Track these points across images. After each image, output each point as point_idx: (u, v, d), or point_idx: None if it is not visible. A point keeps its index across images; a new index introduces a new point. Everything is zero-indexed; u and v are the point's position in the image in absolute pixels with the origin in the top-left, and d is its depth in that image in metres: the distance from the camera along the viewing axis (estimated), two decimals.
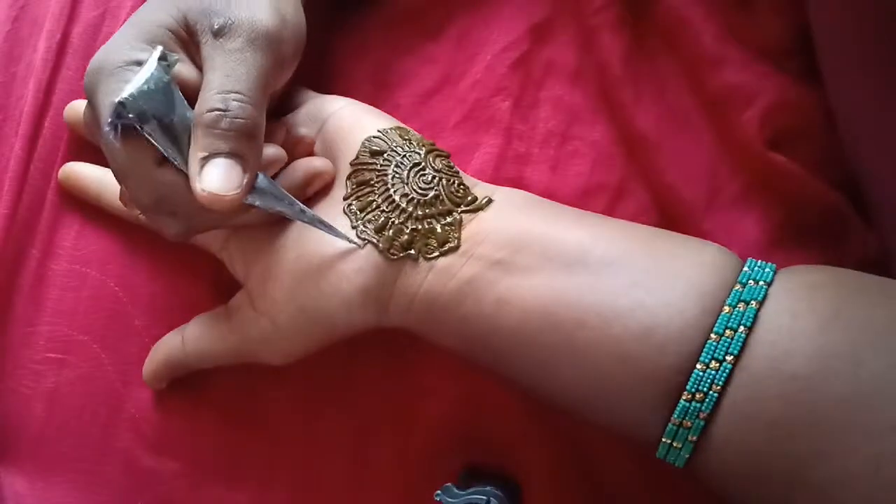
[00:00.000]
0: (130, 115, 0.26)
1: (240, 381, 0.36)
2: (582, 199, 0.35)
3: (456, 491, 0.31)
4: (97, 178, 0.37)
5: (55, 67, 0.38)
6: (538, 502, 0.33)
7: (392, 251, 0.30)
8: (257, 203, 0.29)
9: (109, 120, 0.27)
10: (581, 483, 0.34)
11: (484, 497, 0.31)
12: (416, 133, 0.33)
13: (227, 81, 0.27)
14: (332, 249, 0.30)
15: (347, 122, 0.33)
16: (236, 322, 0.32)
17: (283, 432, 0.35)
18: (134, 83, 0.26)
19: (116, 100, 0.26)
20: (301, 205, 0.30)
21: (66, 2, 0.39)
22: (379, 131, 0.32)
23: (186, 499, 0.34)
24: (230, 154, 0.27)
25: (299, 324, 0.30)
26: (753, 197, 0.34)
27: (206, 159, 0.27)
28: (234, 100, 0.27)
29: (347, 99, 0.34)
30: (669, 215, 0.35)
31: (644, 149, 0.35)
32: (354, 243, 0.30)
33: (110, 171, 0.36)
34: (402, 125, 0.33)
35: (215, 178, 0.27)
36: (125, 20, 0.39)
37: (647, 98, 0.36)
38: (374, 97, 0.37)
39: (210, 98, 0.27)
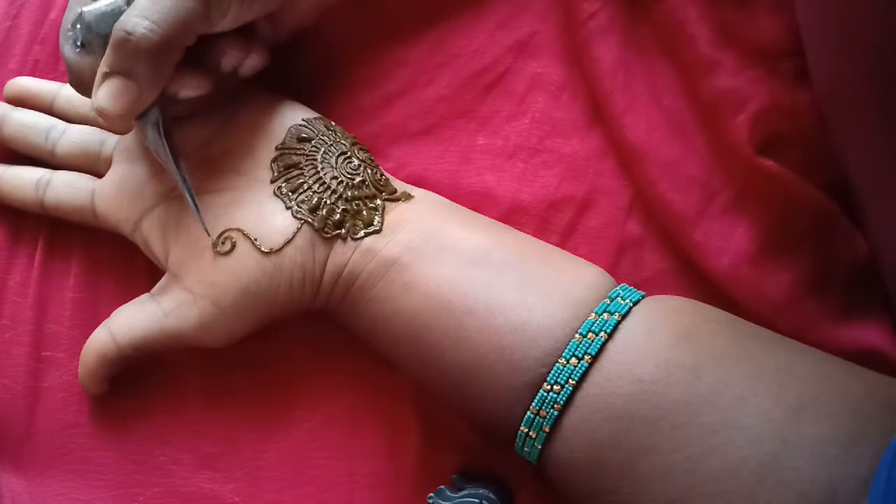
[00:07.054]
0: (79, 27, 0.30)
1: (233, 376, 0.36)
2: (548, 210, 0.36)
3: (448, 493, 0.32)
4: None
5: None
6: None
7: (326, 230, 0.32)
8: (149, 142, 0.31)
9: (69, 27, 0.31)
10: None
11: (476, 500, 0.31)
12: (338, 126, 0.35)
13: (148, 8, 0.28)
14: (266, 228, 0.31)
15: (268, 108, 0.34)
16: (170, 307, 0.32)
17: (277, 429, 0.35)
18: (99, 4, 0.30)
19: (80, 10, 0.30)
20: (185, 176, 0.31)
21: None
22: (304, 120, 0.34)
23: (183, 491, 0.35)
24: (126, 75, 0.29)
25: (243, 305, 0.31)
26: (744, 204, 0.34)
27: (106, 74, 0.29)
28: (144, 27, 0.28)
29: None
30: (660, 225, 0.35)
31: (635, 158, 0.35)
32: (206, 231, 0.31)
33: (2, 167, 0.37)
34: (322, 116, 0.35)
35: (105, 94, 0.29)
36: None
37: (641, 106, 0.36)
38: (337, 98, 0.38)
39: (127, 18, 0.28)
